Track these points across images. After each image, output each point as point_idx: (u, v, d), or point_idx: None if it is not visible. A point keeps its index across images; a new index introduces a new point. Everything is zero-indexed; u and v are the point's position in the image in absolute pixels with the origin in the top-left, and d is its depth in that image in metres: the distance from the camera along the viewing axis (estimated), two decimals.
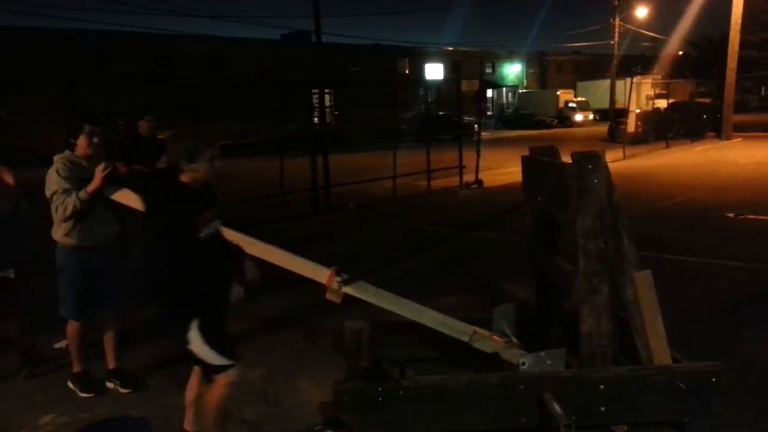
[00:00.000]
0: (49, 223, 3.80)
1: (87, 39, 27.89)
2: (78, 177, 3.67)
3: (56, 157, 3.75)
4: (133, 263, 5.52)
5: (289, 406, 3.67)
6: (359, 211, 10.40)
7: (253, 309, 5.34)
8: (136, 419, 2.80)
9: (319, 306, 4.89)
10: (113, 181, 3.92)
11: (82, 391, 3.89)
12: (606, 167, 3.08)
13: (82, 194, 3.63)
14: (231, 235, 3.79)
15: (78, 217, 3.67)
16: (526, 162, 3.84)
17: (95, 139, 3.78)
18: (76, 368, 3.96)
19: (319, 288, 3.55)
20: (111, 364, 4.05)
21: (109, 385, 4.01)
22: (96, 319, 4.01)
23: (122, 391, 3.93)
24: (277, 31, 33.98)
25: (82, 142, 3.74)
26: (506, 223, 7.62)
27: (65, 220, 3.65)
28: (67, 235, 3.73)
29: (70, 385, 3.95)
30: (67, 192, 3.63)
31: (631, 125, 20.78)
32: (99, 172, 3.64)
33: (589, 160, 3.03)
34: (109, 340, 4.05)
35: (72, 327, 3.90)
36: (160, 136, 5.83)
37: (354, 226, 9.43)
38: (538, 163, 3.70)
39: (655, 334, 3.11)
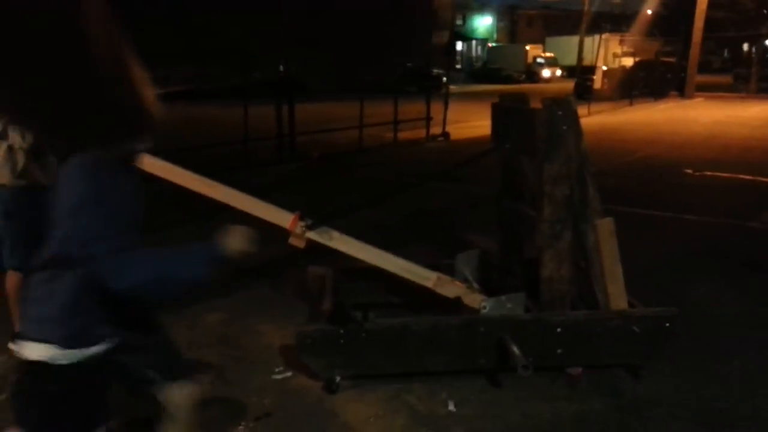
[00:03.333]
0: None
1: None
2: None
3: None
4: None
5: (249, 350, 3.65)
6: (324, 160, 10.28)
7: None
8: None
9: (284, 255, 4.87)
10: None
11: None
12: (576, 114, 3.06)
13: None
14: (191, 178, 3.68)
15: (34, 153, 3.41)
16: (495, 109, 3.79)
17: None
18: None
19: (284, 236, 3.49)
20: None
21: (12, 346, 3.81)
22: None
23: None
24: None
25: None
26: (473, 175, 7.66)
27: (29, 144, 3.32)
28: (18, 176, 3.40)
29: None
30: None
31: (598, 82, 20.94)
32: None
33: (560, 107, 3.00)
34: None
35: (15, 279, 3.53)
36: None
37: (319, 174, 9.33)
38: (508, 110, 3.66)
39: (614, 280, 3.16)
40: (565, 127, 3.02)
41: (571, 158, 3.05)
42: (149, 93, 2.02)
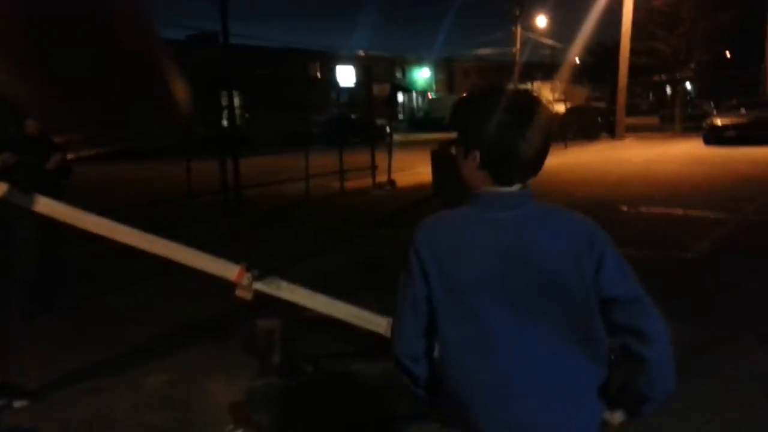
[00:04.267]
0: None
1: None
2: None
3: None
4: (22, 271, 5.14)
5: (197, 410, 3.51)
6: (272, 212, 10.22)
7: (159, 315, 5.12)
8: (28, 430, 2.57)
9: (231, 310, 4.77)
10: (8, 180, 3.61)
11: None
12: None
13: None
14: (131, 234, 3.60)
15: None
16: (434, 156, 3.90)
17: None
18: None
19: (230, 291, 3.43)
20: None
21: None
22: None
23: (16, 405, 3.58)
24: (181, 32, 32.62)
25: None
26: (416, 220, 7.74)
27: None
28: None
29: None
30: None
31: None
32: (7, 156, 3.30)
33: None
34: None
35: None
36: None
37: (267, 226, 9.26)
38: (446, 156, 3.77)
39: None
40: None
41: None
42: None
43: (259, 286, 3.43)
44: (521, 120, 1.37)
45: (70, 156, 5.60)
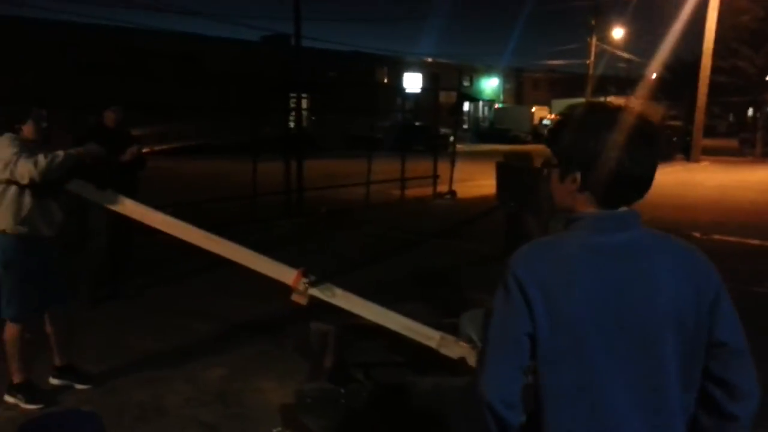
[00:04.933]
0: None
1: (40, 27, 26.33)
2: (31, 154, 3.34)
3: None
4: (92, 258, 5.38)
5: (248, 407, 3.57)
6: (331, 216, 10.32)
7: (218, 311, 5.25)
8: (87, 413, 2.67)
9: (287, 311, 4.83)
10: (78, 169, 3.78)
11: (28, 403, 3.49)
12: None
13: (73, 150, 3.41)
14: (196, 233, 3.70)
15: (38, 198, 3.40)
16: (500, 168, 3.84)
17: (44, 125, 3.52)
18: (17, 378, 3.53)
19: (286, 292, 3.47)
20: (59, 360, 3.76)
21: (55, 381, 3.75)
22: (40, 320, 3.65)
23: (78, 387, 3.75)
24: (253, 33, 33.53)
25: (28, 127, 3.46)
26: (478, 234, 7.67)
27: (41, 174, 3.27)
28: (20, 222, 3.36)
29: (10, 399, 3.52)
30: (30, 156, 3.27)
31: None
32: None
33: None
34: (58, 336, 3.72)
35: (13, 330, 3.47)
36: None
37: (325, 230, 9.35)
38: (512, 169, 3.70)
39: None
40: None
41: None
42: None
43: (314, 292, 3.45)
44: (628, 138, 1.27)
45: (144, 149, 5.82)
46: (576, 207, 1.33)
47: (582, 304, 1.24)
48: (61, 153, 3.37)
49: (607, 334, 1.24)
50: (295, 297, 3.49)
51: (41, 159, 3.29)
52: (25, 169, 3.28)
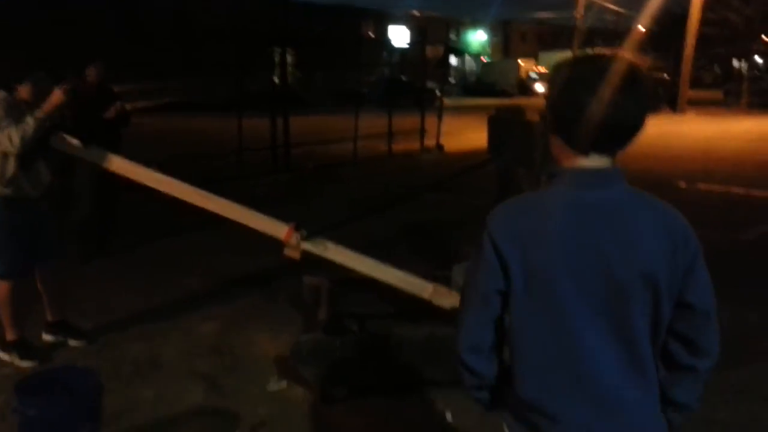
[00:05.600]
0: None
1: None
2: (18, 118, 3.28)
3: None
4: (79, 215, 5.33)
5: (243, 359, 3.62)
6: (319, 172, 10.28)
7: (208, 266, 5.25)
8: (84, 369, 2.69)
9: (279, 265, 4.84)
10: (60, 128, 3.70)
11: (22, 360, 3.49)
12: None
13: (38, 113, 3.26)
14: (187, 190, 3.67)
15: (23, 162, 3.34)
16: (492, 121, 3.81)
17: (43, 87, 3.40)
18: (10, 335, 3.53)
19: (279, 248, 3.47)
20: (52, 316, 3.76)
21: (48, 338, 3.76)
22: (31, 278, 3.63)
23: (72, 343, 3.76)
24: None
25: (26, 88, 3.38)
26: (467, 186, 7.67)
27: (17, 150, 3.25)
28: (5, 184, 3.33)
29: (3, 356, 3.53)
30: (9, 125, 3.23)
31: None
32: (58, 92, 3.36)
33: None
34: (49, 293, 3.71)
35: (4, 288, 3.46)
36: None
37: (313, 186, 9.32)
38: (504, 122, 3.68)
39: None
40: None
41: None
42: None
43: (306, 246, 3.46)
44: (609, 84, 1.23)
45: (128, 106, 5.70)
46: (564, 161, 1.32)
47: (557, 259, 1.25)
48: (30, 121, 3.27)
49: (581, 289, 1.25)
50: (287, 251, 3.50)
51: (14, 134, 3.23)
52: (4, 144, 3.26)
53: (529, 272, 1.27)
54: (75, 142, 3.75)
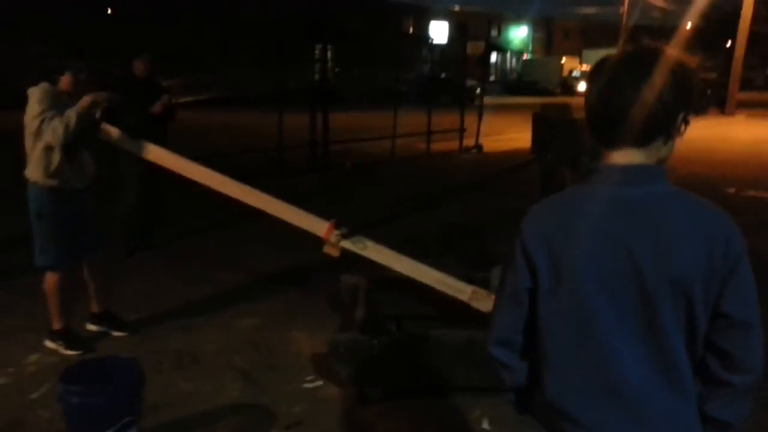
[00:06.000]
0: (22, 162, 3.45)
1: None
2: (61, 108, 3.34)
3: (33, 89, 3.37)
4: (124, 208, 5.45)
5: (280, 356, 3.64)
6: (357, 170, 10.29)
7: (247, 262, 5.31)
8: (127, 360, 2.74)
9: (316, 262, 4.86)
10: (108, 118, 3.78)
11: (68, 349, 3.59)
12: None
13: (79, 108, 3.31)
14: (232, 185, 3.70)
15: (68, 153, 3.39)
16: (537, 120, 3.74)
17: (82, 76, 3.48)
18: (57, 324, 3.62)
19: (317, 245, 3.48)
20: (97, 307, 3.85)
21: (92, 327, 3.85)
22: (77, 269, 3.71)
23: (115, 334, 3.85)
24: None
25: (67, 78, 3.43)
26: (507, 187, 7.56)
27: (60, 142, 3.30)
28: (50, 175, 3.38)
29: (50, 344, 3.62)
30: (54, 117, 3.28)
31: None
32: (95, 95, 3.43)
33: None
34: (95, 284, 3.80)
35: (52, 278, 3.53)
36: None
37: (351, 183, 9.34)
38: (551, 121, 3.60)
39: None
40: None
41: None
42: None
43: (346, 244, 3.46)
44: (620, 70, 1.21)
45: (174, 100, 5.77)
46: (604, 159, 1.28)
47: (582, 256, 1.21)
48: (72, 114, 3.32)
49: (608, 289, 1.21)
50: (327, 249, 3.50)
51: (58, 126, 3.28)
52: (48, 136, 3.32)
53: (555, 269, 1.25)
54: (121, 133, 3.82)
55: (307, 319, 4.15)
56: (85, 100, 3.39)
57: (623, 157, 1.24)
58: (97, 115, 3.60)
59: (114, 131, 3.82)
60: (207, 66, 17.39)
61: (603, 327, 1.22)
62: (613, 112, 1.22)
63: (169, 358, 3.58)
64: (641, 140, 1.23)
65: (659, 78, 1.19)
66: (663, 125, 1.23)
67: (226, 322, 4.09)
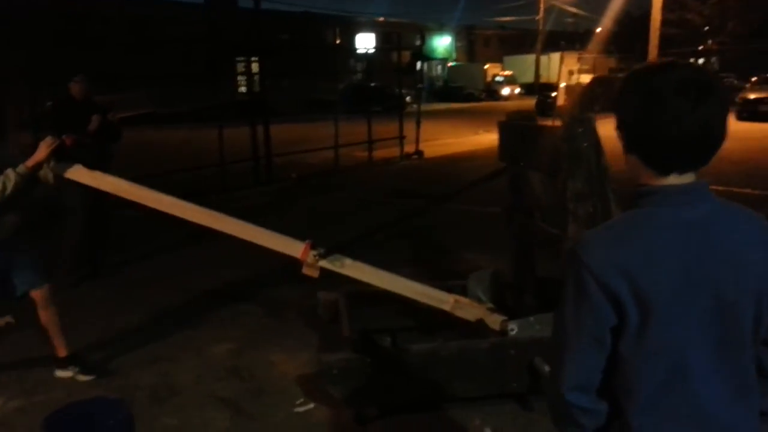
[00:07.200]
0: None
1: None
2: None
3: None
4: (70, 237, 5.12)
5: (264, 381, 3.50)
6: (303, 182, 10.15)
7: (206, 284, 5.09)
8: (114, 400, 2.55)
9: (280, 279, 4.74)
10: (61, 156, 3.50)
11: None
12: (596, 131, 3.06)
13: (21, 169, 3.11)
14: (194, 210, 3.49)
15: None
16: (503, 127, 3.78)
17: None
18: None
19: (275, 261, 3.34)
20: (62, 351, 3.55)
21: (62, 374, 3.54)
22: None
23: (82, 379, 3.52)
24: None
25: None
26: (468, 195, 7.56)
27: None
28: None
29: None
30: None
31: (561, 98, 21.36)
32: (45, 146, 3.22)
33: (581, 124, 3.00)
34: (50, 325, 3.50)
35: None
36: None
37: (299, 196, 9.19)
38: (519, 128, 3.66)
39: None
40: (586, 144, 3.01)
41: (593, 175, 3.05)
42: None
43: (324, 263, 3.37)
44: (671, 91, 1.17)
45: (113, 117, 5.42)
46: (643, 179, 1.25)
47: (663, 282, 1.17)
48: (11, 175, 3.10)
49: (689, 312, 1.18)
50: (306, 270, 3.40)
51: None
52: None
53: (642, 304, 1.18)
54: (58, 165, 3.50)
55: (283, 339, 4.02)
56: (36, 157, 3.17)
57: (678, 178, 1.23)
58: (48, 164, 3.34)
59: (50, 174, 3.45)
60: (131, 83, 16.74)
61: (693, 361, 1.21)
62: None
63: (143, 394, 3.37)
64: (702, 165, 1.24)
65: (718, 99, 1.20)
66: (720, 146, 1.24)
67: (198, 350, 3.90)
